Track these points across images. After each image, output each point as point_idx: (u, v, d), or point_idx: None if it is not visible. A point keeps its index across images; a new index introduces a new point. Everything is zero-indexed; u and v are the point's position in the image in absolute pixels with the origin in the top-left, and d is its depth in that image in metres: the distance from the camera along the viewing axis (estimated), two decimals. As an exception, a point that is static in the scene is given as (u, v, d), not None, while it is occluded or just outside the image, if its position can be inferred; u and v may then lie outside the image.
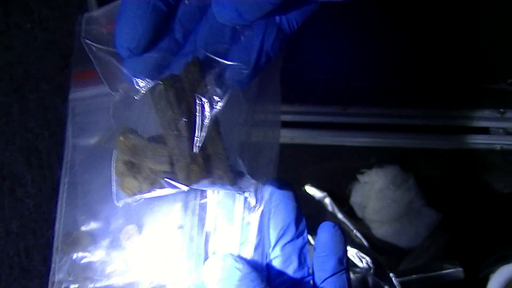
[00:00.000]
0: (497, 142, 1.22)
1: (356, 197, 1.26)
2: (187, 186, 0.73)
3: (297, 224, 0.73)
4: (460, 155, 1.22)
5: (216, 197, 0.74)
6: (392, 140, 1.22)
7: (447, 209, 1.29)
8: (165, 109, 0.74)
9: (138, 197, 0.78)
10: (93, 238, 0.85)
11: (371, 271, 1.16)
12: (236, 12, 0.57)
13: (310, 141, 1.20)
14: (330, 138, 1.19)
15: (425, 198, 1.24)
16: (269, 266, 0.70)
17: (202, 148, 0.75)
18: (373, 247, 1.20)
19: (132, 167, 0.79)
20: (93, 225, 0.87)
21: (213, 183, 0.75)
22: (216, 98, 0.69)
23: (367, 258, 1.17)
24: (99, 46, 0.72)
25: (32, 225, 1.41)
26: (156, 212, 0.79)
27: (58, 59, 1.53)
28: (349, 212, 1.28)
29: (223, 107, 0.69)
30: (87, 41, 0.76)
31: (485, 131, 1.23)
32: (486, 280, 1.12)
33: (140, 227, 0.82)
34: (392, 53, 1.16)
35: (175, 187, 0.76)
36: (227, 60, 0.65)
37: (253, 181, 0.79)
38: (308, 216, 1.20)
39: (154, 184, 0.78)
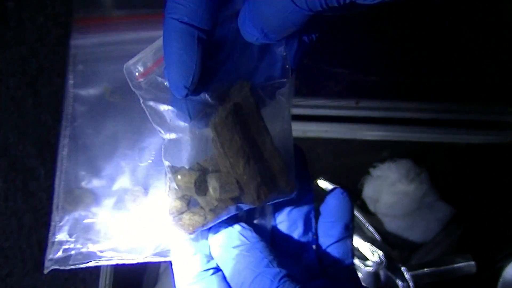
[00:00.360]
0: (510, 137, 1.22)
1: (369, 191, 1.26)
2: (257, 205, 0.76)
3: (304, 190, 0.71)
4: (473, 150, 1.22)
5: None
6: (405, 134, 1.22)
7: (459, 203, 1.28)
8: (231, 137, 0.76)
9: (200, 230, 0.77)
10: (96, 197, 0.82)
11: (383, 264, 1.16)
12: (262, 33, 0.58)
13: (322, 135, 1.20)
14: (343, 131, 1.19)
15: (437, 192, 1.24)
16: (274, 231, 0.69)
17: (268, 167, 0.79)
18: (385, 241, 1.20)
19: (188, 203, 0.80)
20: (95, 183, 0.84)
21: (278, 197, 0.78)
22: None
23: (379, 252, 1.17)
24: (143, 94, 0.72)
25: (45, 219, 1.41)
26: (163, 175, 0.78)
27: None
28: (361, 206, 1.28)
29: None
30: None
31: (498, 125, 1.23)
32: (498, 274, 1.12)
33: (146, 190, 0.81)
34: (405, 48, 1.16)
35: (241, 210, 0.78)
36: (256, 79, 0.66)
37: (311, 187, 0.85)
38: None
39: (219, 212, 0.78)
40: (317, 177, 1.28)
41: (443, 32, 1.14)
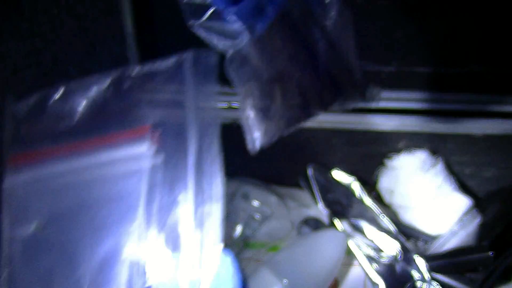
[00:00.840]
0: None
1: (384, 182, 1.26)
2: (322, 112, 0.85)
3: None
4: (490, 140, 1.21)
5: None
6: (420, 124, 1.21)
7: (476, 194, 1.28)
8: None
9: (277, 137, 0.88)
10: None
11: (399, 256, 1.16)
12: None
13: (338, 126, 1.20)
14: (358, 122, 1.19)
15: (453, 183, 1.24)
16: None
17: (328, 72, 0.85)
18: (401, 233, 1.20)
19: (264, 111, 0.88)
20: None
21: (345, 102, 0.88)
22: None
23: (395, 243, 1.17)
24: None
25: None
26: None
27: (86, 45, 1.54)
28: (377, 197, 1.28)
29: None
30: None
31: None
32: (516, 266, 1.11)
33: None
34: (423, 38, 1.15)
35: (310, 116, 0.80)
36: None
37: (377, 88, 0.96)
38: (335, 202, 1.21)
39: (290, 121, 0.87)
40: (332, 168, 1.28)
41: (464, 25, 1.14)
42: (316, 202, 1.26)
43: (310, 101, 0.80)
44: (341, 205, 1.24)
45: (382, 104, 1.19)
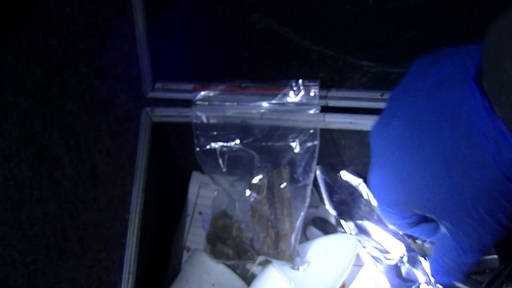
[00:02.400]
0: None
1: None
2: (259, 255, 1.15)
3: None
4: None
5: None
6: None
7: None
8: (257, 191, 1.19)
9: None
10: None
11: (405, 258, 1.16)
12: None
13: (347, 127, 1.20)
14: (368, 123, 1.19)
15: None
16: None
17: (275, 227, 1.15)
18: (408, 234, 1.20)
19: (220, 239, 1.20)
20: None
21: (275, 257, 1.15)
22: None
23: (401, 244, 1.17)
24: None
25: (69, 207, 1.42)
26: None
27: (97, 43, 1.54)
28: (385, 199, 1.28)
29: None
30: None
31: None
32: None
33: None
34: (433, 40, 1.15)
35: (253, 253, 1.16)
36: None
37: (305, 261, 1.17)
38: (342, 202, 1.21)
39: (239, 251, 1.18)
40: (341, 169, 1.28)
41: (470, 23, 1.14)
42: (323, 203, 1.27)
43: (255, 243, 1.22)
44: (348, 206, 1.24)
45: (380, 104, 1.19)
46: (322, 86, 1.20)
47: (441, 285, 0.73)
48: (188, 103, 1.24)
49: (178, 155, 1.34)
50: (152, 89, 1.22)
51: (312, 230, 1.29)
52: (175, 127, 1.24)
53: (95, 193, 1.43)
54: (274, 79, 1.21)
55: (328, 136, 1.21)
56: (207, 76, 1.23)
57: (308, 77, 1.20)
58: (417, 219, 0.86)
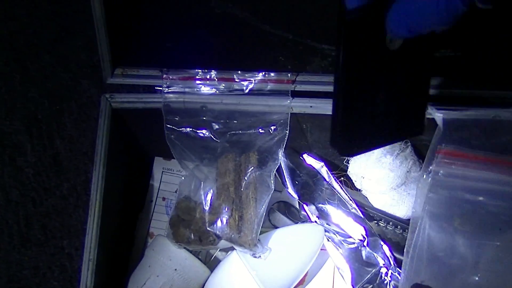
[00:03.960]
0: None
1: (354, 167, 1.26)
2: (220, 238, 1.16)
3: None
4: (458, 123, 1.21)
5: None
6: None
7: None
8: (224, 175, 1.20)
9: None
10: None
11: (365, 242, 1.17)
12: (407, 30, 0.66)
13: (308, 110, 1.20)
14: (328, 107, 1.18)
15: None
16: None
17: (239, 210, 1.16)
18: (371, 218, 1.20)
19: (183, 222, 1.20)
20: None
21: (237, 241, 1.16)
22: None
23: (361, 228, 1.18)
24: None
25: (32, 194, 1.41)
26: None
27: (60, 29, 1.53)
28: (346, 182, 1.28)
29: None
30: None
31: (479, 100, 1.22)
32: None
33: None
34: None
35: (214, 237, 1.18)
36: None
37: (266, 249, 1.18)
38: (305, 186, 1.21)
39: (201, 235, 1.19)
40: (303, 153, 1.28)
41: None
42: (286, 186, 1.27)
43: (219, 223, 1.19)
44: (310, 189, 1.24)
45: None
46: (283, 70, 1.20)
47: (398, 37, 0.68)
48: (150, 89, 1.24)
49: (140, 141, 1.34)
50: (111, 75, 1.21)
51: (276, 215, 1.29)
52: (136, 113, 1.24)
53: (58, 180, 1.42)
54: (235, 64, 1.21)
55: (291, 120, 1.21)
56: (167, 62, 1.22)
57: (269, 61, 1.20)
58: None
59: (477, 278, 1.07)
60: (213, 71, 1.21)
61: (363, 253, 1.16)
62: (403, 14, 0.64)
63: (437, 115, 1.15)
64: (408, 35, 0.66)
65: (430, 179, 1.10)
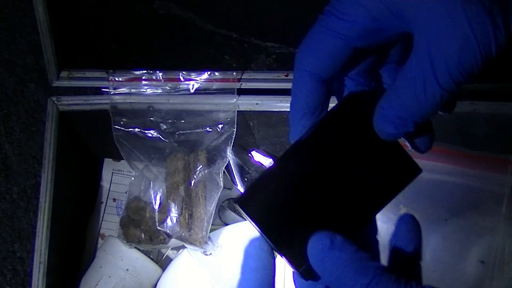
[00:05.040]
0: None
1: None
2: (171, 237, 1.18)
3: None
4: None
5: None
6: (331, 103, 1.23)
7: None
8: (173, 174, 1.21)
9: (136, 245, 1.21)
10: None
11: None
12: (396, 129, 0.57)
13: (255, 108, 1.21)
14: (274, 103, 1.20)
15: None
16: None
17: (189, 209, 1.18)
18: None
19: (134, 222, 1.21)
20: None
21: (187, 239, 1.17)
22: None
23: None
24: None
25: None
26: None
27: (4, 34, 1.53)
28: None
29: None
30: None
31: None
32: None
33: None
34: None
35: (165, 236, 1.20)
36: None
37: (217, 246, 1.19)
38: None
39: (151, 235, 1.20)
40: (252, 149, 1.30)
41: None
42: (235, 184, 1.28)
43: (168, 222, 1.21)
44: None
45: (286, 84, 1.21)
46: (228, 69, 1.21)
47: (386, 136, 0.58)
48: (96, 91, 1.24)
49: (88, 143, 1.35)
50: (57, 78, 1.21)
51: (226, 212, 1.30)
52: (83, 115, 1.24)
53: (8, 184, 1.42)
54: (181, 64, 1.22)
55: (237, 118, 1.22)
56: (113, 64, 1.23)
57: (214, 60, 1.21)
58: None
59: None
60: (158, 72, 1.22)
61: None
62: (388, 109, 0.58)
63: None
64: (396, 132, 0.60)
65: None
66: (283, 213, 0.60)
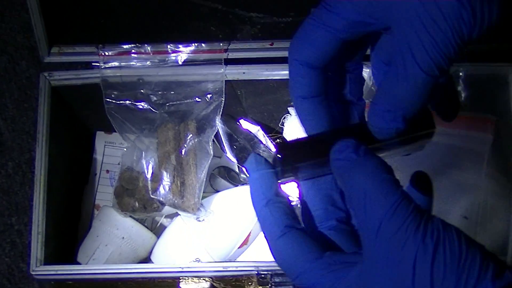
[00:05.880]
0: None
1: (289, 129, 1.30)
2: (164, 204, 1.22)
3: None
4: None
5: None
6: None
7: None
8: (164, 144, 1.24)
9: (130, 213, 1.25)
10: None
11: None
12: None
13: (241, 77, 1.24)
14: (261, 72, 1.23)
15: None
16: None
17: (181, 176, 1.21)
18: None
19: (128, 192, 1.24)
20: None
21: (180, 206, 1.20)
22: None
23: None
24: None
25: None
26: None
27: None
28: (282, 143, 1.32)
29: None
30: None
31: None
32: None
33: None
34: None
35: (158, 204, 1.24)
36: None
37: (209, 213, 1.23)
38: (242, 149, 1.25)
39: (145, 203, 1.23)
40: (239, 118, 1.32)
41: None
42: (225, 151, 1.30)
43: (161, 190, 1.23)
44: (248, 152, 1.28)
45: (282, 54, 1.23)
46: (214, 39, 1.23)
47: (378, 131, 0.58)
48: (87, 65, 1.27)
49: (81, 117, 1.37)
50: (48, 54, 1.23)
51: (217, 179, 1.33)
52: (75, 89, 1.27)
53: (3, 159, 1.44)
54: (169, 36, 1.24)
55: (226, 88, 1.24)
56: (103, 38, 1.25)
57: (201, 32, 1.23)
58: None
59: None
60: (147, 45, 1.24)
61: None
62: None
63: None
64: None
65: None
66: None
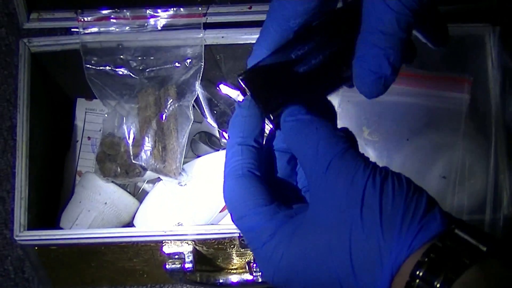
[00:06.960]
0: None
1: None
2: (146, 169, 1.21)
3: None
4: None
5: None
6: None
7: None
8: (145, 109, 1.24)
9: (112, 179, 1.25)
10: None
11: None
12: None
13: (220, 41, 1.24)
14: (239, 36, 1.23)
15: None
16: None
17: (162, 141, 1.22)
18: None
19: (109, 157, 1.25)
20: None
21: (162, 171, 1.21)
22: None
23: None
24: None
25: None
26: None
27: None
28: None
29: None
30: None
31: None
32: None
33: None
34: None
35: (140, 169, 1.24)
36: None
37: (191, 177, 1.23)
38: (223, 114, 1.26)
39: (127, 169, 1.24)
40: (219, 83, 1.33)
41: None
42: (205, 117, 1.31)
43: (143, 155, 1.23)
44: (228, 117, 1.29)
45: (260, 17, 1.23)
46: (190, 4, 1.24)
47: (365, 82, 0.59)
48: (67, 31, 1.27)
49: (61, 83, 1.37)
50: (27, 20, 1.23)
51: (198, 145, 1.34)
52: (55, 55, 1.27)
53: (-16, 127, 1.44)
54: (146, 1, 1.24)
55: (205, 52, 1.25)
56: (82, 3, 1.25)
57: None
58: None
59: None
60: (125, 10, 1.24)
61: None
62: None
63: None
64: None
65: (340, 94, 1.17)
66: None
